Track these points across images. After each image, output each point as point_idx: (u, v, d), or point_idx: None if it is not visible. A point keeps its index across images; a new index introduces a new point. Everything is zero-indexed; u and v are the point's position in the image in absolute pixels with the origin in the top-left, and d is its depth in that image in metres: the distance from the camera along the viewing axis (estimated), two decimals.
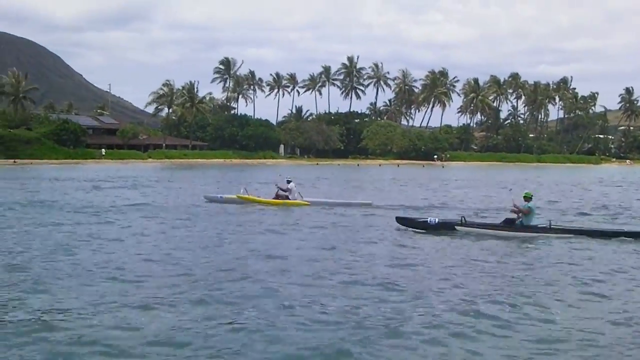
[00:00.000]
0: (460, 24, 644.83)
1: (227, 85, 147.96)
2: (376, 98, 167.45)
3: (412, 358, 9.37)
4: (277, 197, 32.44)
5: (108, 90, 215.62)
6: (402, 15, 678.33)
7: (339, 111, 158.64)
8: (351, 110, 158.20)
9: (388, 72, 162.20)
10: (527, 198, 21.83)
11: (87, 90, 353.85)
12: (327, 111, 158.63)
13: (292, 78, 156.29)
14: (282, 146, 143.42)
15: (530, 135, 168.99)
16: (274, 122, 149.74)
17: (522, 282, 14.49)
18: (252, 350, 9.38)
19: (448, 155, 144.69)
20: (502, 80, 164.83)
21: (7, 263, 15.68)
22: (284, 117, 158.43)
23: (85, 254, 17.27)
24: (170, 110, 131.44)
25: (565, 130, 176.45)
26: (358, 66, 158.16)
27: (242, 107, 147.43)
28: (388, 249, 19.17)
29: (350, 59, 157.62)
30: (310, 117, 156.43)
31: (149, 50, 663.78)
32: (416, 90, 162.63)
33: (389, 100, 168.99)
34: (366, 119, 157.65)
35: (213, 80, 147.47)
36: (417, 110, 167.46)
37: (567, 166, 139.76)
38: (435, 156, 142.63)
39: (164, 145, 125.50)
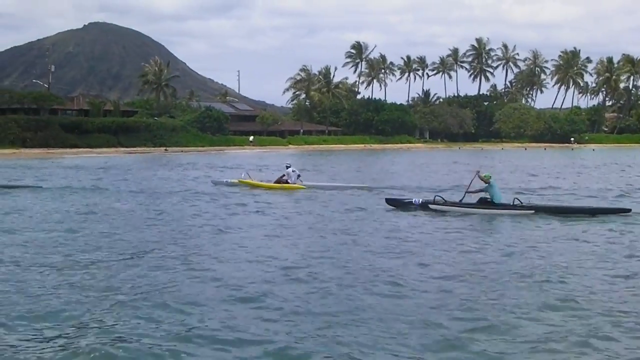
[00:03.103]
0: (564, 2, 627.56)
1: (359, 69, 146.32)
2: (505, 80, 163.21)
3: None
4: (278, 181, 33.31)
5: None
6: None
7: (465, 94, 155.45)
8: (480, 93, 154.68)
9: (518, 54, 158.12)
10: (487, 178, 23.38)
11: (192, 78, 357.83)
12: (455, 94, 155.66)
13: (422, 61, 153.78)
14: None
15: None
16: None
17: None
18: None
19: (587, 138, 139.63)
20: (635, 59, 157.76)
21: None
22: (407, 101, 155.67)
23: None
24: (305, 96, 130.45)
25: None
26: (487, 47, 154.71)
27: (368, 91, 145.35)
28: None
29: (479, 41, 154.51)
30: (438, 101, 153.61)
31: (249, 37, 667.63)
32: (547, 71, 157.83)
33: (510, 82, 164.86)
34: (496, 102, 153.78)
35: (345, 65, 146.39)
36: (538, 92, 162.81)
37: None
38: (572, 139, 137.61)
39: (301, 131, 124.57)
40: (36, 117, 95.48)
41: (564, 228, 20.15)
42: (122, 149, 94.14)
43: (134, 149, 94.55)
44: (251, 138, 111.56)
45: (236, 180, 34.74)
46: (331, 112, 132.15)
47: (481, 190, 23.56)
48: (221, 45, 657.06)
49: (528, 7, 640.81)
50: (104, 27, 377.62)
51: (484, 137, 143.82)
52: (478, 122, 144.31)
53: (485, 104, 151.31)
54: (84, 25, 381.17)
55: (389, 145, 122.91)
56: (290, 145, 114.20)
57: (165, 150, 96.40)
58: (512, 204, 22.96)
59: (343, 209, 25.10)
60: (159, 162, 66.83)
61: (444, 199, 24.16)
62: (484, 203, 23.30)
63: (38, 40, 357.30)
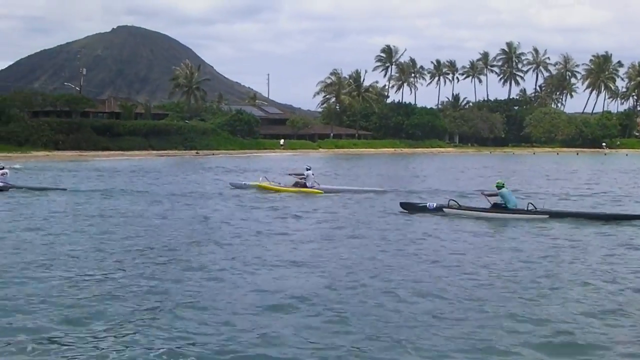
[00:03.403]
0: (592, 6, 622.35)
1: (388, 73, 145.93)
2: (536, 84, 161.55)
3: None
4: (296, 184, 33.43)
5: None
6: None
7: (495, 98, 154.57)
8: (511, 97, 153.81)
9: (548, 58, 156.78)
10: (499, 187, 23.66)
11: (219, 81, 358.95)
12: (485, 98, 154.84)
13: (452, 65, 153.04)
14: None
15: None
16: None
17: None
18: None
19: (618, 143, 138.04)
20: None
21: None
22: (436, 105, 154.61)
23: None
24: (335, 100, 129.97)
25: None
26: (518, 52, 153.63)
27: (397, 95, 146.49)
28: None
29: (509, 45, 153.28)
30: (468, 105, 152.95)
31: (275, 41, 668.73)
32: (578, 75, 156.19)
33: (539, 87, 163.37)
34: (526, 106, 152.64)
35: (375, 69, 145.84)
36: (568, 96, 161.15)
37: None
38: (604, 144, 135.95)
39: (331, 134, 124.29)
40: (68, 120, 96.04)
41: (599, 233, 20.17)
42: (154, 151, 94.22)
43: (165, 151, 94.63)
44: (282, 141, 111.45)
45: (254, 184, 35.22)
46: (361, 115, 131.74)
47: (489, 194, 24.05)
48: (247, 49, 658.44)
49: (556, 11, 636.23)
50: (132, 31, 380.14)
51: (513, 142, 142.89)
52: (508, 126, 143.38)
53: (515, 108, 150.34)
54: (113, 28, 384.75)
55: (419, 149, 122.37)
56: (320, 149, 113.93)
57: (197, 153, 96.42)
58: (526, 209, 23.20)
59: (365, 213, 25.41)
60: (191, 165, 67.09)
61: (458, 203, 24.60)
62: (497, 208, 23.53)
63: (67, 43, 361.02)
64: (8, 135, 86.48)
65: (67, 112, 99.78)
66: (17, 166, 55.28)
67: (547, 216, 22.74)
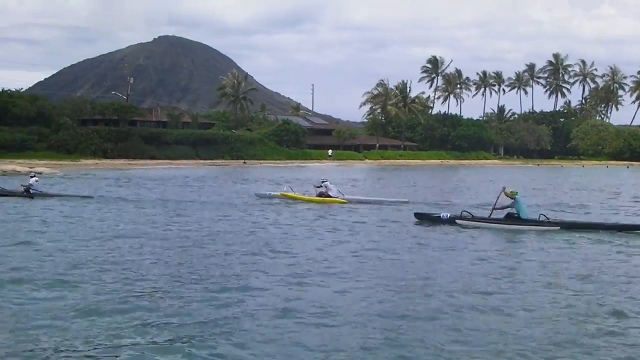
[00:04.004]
0: (636, 18, 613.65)
1: (434, 84, 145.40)
2: (582, 96, 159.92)
3: None
4: (320, 195, 33.31)
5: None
6: (573, 10, 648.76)
7: (540, 110, 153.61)
8: (556, 109, 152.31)
9: (596, 69, 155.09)
10: (512, 195, 23.42)
11: (259, 91, 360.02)
12: (530, 110, 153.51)
13: (498, 76, 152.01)
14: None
15: None
16: None
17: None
18: None
19: None
20: None
21: None
22: (481, 116, 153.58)
23: None
24: (379, 110, 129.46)
25: None
26: (564, 63, 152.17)
27: (441, 106, 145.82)
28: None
29: (556, 56, 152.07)
30: (513, 116, 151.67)
31: (316, 51, 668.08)
32: (626, 87, 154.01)
33: (584, 99, 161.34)
34: (573, 118, 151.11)
35: (421, 80, 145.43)
36: (614, 108, 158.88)
37: None
38: None
39: (377, 145, 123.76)
40: (117, 128, 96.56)
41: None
42: (201, 161, 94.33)
43: (212, 161, 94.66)
44: (330, 152, 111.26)
45: (279, 194, 35.19)
46: (407, 127, 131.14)
47: (508, 207, 23.55)
48: (287, 59, 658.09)
49: (597, 22, 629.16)
50: (173, 41, 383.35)
51: (559, 154, 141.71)
52: (554, 138, 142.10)
53: (561, 120, 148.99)
54: (154, 38, 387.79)
55: (465, 161, 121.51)
56: (366, 160, 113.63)
57: (244, 162, 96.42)
58: (537, 219, 23.05)
59: (386, 223, 25.14)
60: (240, 175, 66.64)
61: (471, 214, 24.34)
62: (510, 218, 23.37)
63: (109, 53, 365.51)
64: (58, 143, 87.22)
65: (115, 121, 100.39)
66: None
67: (559, 227, 22.68)
